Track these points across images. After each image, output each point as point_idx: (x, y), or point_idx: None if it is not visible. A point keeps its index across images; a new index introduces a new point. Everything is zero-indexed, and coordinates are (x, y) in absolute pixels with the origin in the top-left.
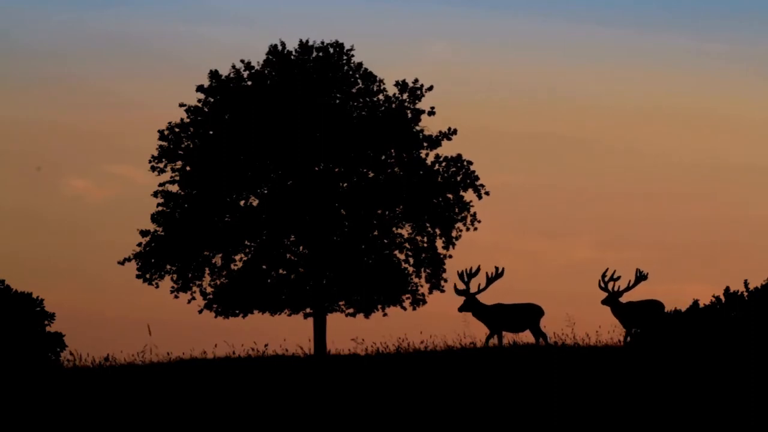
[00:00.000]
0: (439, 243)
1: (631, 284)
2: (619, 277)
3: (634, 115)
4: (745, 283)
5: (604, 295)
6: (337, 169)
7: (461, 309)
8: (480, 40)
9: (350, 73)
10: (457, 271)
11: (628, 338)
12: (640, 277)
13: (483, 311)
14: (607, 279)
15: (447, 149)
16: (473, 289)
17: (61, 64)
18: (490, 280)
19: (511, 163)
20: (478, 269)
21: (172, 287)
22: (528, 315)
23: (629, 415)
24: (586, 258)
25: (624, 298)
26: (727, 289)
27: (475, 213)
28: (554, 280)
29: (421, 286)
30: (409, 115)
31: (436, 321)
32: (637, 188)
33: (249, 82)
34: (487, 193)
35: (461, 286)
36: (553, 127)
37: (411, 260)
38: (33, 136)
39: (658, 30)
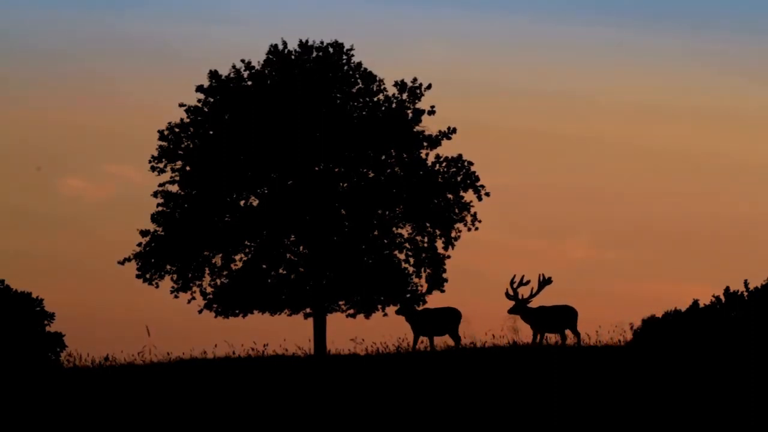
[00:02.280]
0: (439, 243)
1: (534, 291)
2: (528, 282)
3: (633, 114)
4: (745, 283)
5: (511, 303)
6: (337, 169)
7: (511, 311)
8: (479, 40)
9: (350, 73)
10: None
11: (536, 341)
12: (544, 281)
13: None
14: (515, 285)
15: (446, 149)
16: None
17: (61, 63)
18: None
19: (509, 162)
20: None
21: (172, 287)
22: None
23: (629, 415)
24: (584, 257)
25: (534, 303)
26: (727, 289)
27: (475, 213)
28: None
29: (421, 286)
30: (409, 115)
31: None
32: (637, 187)
33: (249, 82)
34: (487, 194)
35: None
36: (552, 126)
37: (411, 260)
38: (33, 136)
39: (657, 29)
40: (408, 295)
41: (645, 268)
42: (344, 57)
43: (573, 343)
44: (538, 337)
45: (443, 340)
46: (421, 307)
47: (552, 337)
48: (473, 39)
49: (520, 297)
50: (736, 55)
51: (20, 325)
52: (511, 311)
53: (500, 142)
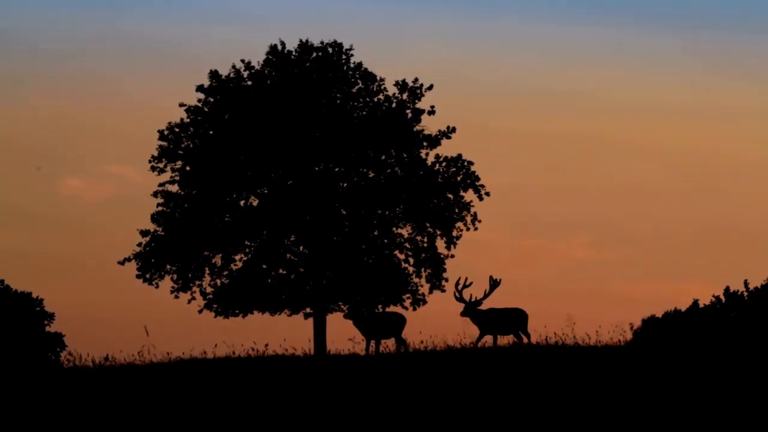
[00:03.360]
0: (440, 243)
1: (486, 292)
2: (471, 284)
3: (633, 113)
4: (745, 283)
5: (462, 306)
6: (337, 169)
7: (462, 314)
8: (479, 40)
9: (350, 73)
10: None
11: (478, 344)
12: (494, 283)
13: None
14: (460, 287)
15: (446, 149)
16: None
17: (61, 63)
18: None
19: (509, 162)
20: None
21: (172, 287)
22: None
23: (629, 415)
24: (584, 257)
25: (485, 305)
26: (727, 289)
27: (475, 213)
28: (553, 279)
29: (422, 286)
30: (409, 115)
31: (436, 321)
32: (637, 187)
33: (249, 82)
34: (487, 194)
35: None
36: (552, 126)
37: (411, 260)
38: (33, 136)
39: (657, 28)
40: (358, 299)
41: (645, 268)
42: (344, 57)
43: (526, 343)
44: (494, 339)
45: (443, 341)
46: (368, 311)
47: (502, 339)
48: (473, 39)
49: (469, 299)
50: (737, 55)
51: (20, 325)
52: (462, 314)
53: (500, 141)
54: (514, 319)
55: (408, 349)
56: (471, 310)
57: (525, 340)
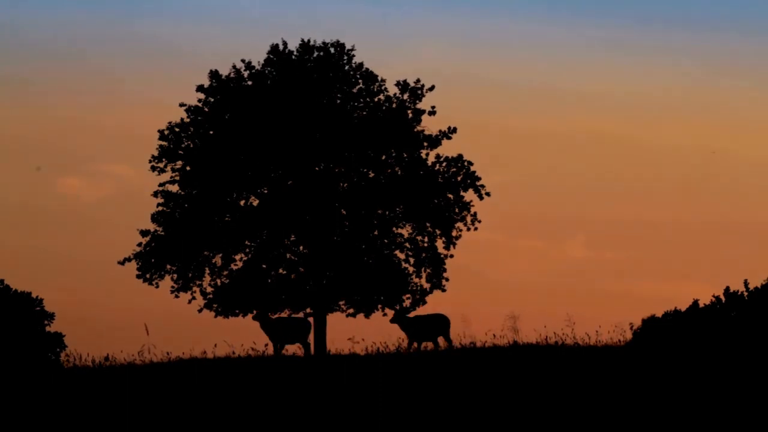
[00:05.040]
0: (440, 243)
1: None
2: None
3: (632, 113)
4: (745, 283)
5: (392, 313)
6: (337, 169)
7: (392, 321)
8: (477, 40)
9: (351, 73)
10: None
11: (410, 349)
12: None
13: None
14: None
15: (446, 148)
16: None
17: (61, 62)
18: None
19: (509, 162)
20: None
21: (172, 287)
22: (438, 324)
23: (629, 415)
24: (584, 257)
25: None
26: (727, 289)
27: (475, 213)
28: (552, 279)
29: (422, 285)
30: (410, 115)
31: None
32: (636, 186)
33: (249, 82)
34: (488, 194)
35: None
36: (552, 125)
37: (411, 260)
38: (32, 135)
39: (656, 27)
40: (265, 303)
41: (645, 268)
42: (345, 57)
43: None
44: (418, 345)
45: (443, 341)
46: (275, 316)
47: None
48: (474, 39)
49: (399, 307)
50: (737, 55)
51: (20, 325)
52: (392, 321)
53: (499, 141)
54: (438, 326)
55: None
56: (400, 317)
57: (445, 344)
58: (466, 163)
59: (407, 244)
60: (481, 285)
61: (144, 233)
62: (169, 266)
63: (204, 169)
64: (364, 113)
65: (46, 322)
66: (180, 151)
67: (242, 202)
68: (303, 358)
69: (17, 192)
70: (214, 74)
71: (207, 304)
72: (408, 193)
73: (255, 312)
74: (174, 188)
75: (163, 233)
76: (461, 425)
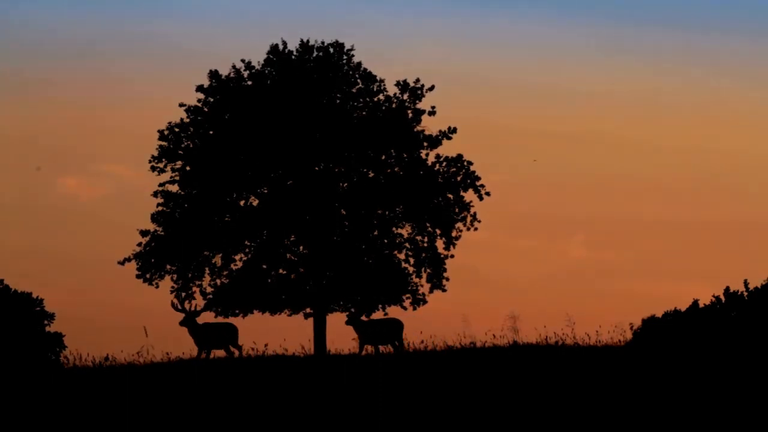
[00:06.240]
0: (440, 243)
1: (205, 306)
2: (193, 294)
3: (632, 113)
4: (745, 283)
5: (181, 316)
6: (337, 169)
7: (181, 323)
8: (477, 40)
9: (350, 73)
10: (177, 292)
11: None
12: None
13: (196, 329)
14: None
15: (446, 148)
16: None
17: (61, 62)
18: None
19: (507, 161)
20: (193, 292)
21: (172, 287)
22: (391, 329)
23: (629, 415)
24: (584, 257)
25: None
26: (727, 289)
27: (475, 213)
28: (552, 279)
29: (422, 285)
30: (410, 115)
31: (436, 321)
32: (637, 186)
33: (249, 82)
34: (487, 194)
35: (179, 306)
36: (552, 125)
37: (411, 260)
38: (32, 135)
39: (656, 27)
40: (191, 309)
41: (645, 268)
42: (344, 57)
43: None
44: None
45: (443, 341)
46: (202, 321)
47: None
48: (474, 39)
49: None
50: (737, 55)
51: (20, 325)
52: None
53: (500, 141)
54: (391, 330)
55: (241, 355)
56: (354, 319)
57: (397, 347)
58: (466, 163)
59: (407, 244)
60: (481, 285)
61: (144, 233)
62: (169, 266)
63: (204, 169)
64: (364, 113)
65: (46, 322)
66: (180, 151)
67: (242, 202)
68: (227, 359)
69: (17, 192)
70: (214, 74)
71: (207, 304)
72: (408, 193)
73: (183, 318)
74: (174, 188)
75: (163, 233)
76: (461, 425)
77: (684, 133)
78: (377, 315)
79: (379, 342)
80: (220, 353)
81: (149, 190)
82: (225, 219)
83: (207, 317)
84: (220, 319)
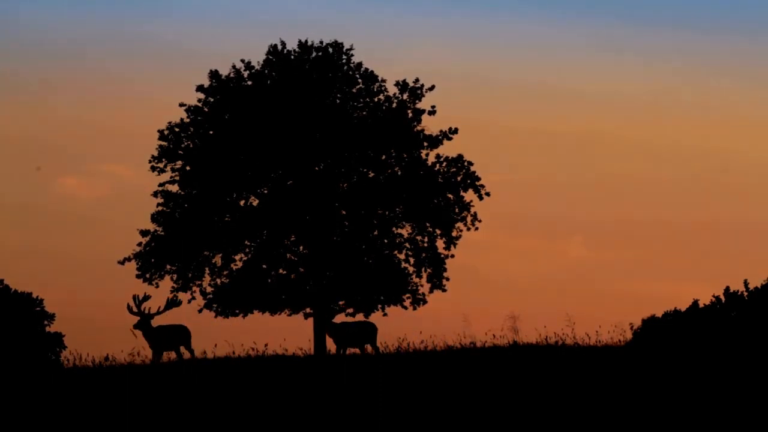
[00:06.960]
0: (440, 243)
1: (161, 309)
2: (149, 297)
3: (632, 112)
4: (745, 283)
5: (136, 319)
6: (337, 169)
7: (135, 326)
8: (477, 40)
9: (350, 73)
10: (133, 295)
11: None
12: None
13: (150, 332)
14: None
15: (446, 148)
16: (151, 309)
17: (61, 62)
18: (168, 306)
19: (506, 161)
20: (150, 296)
21: (172, 287)
22: (365, 332)
23: (629, 415)
24: (584, 257)
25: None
26: (727, 289)
27: (475, 213)
28: (552, 279)
29: (422, 285)
30: (410, 115)
31: (436, 321)
32: (637, 187)
33: (249, 82)
34: (487, 194)
35: (135, 309)
36: (552, 125)
37: (411, 260)
38: (32, 135)
39: (656, 27)
40: (146, 311)
41: (645, 267)
42: (344, 57)
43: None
44: (343, 351)
45: (443, 341)
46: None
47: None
48: (474, 39)
49: (145, 312)
50: (737, 55)
51: (20, 325)
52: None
53: (499, 141)
54: (364, 333)
55: (181, 359)
56: (144, 322)
57: (372, 352)
58: (466, 163)
59: (407, 244)
60: (481, 285)
61: (144, 233)
62: (169, 266)
63: (204, 169)
64: (364, 113)
65: (46, 322)
66: (180, 151)
67: (242, 202)
68: (177, 362)
69: (17, 192)
70: (214, 74)
71: (207, 304)
72: (408, 193)
73: (137, 321)
74: (174, 188)
75: (162, 233)
76: (461, 425)
77: (684, 133)
78: (357, 318)
79: (352, 345)
80: (220, 353)
81: (149, 190)
82: (225, 219)
83: (160, 320)
84: (173, 322)
